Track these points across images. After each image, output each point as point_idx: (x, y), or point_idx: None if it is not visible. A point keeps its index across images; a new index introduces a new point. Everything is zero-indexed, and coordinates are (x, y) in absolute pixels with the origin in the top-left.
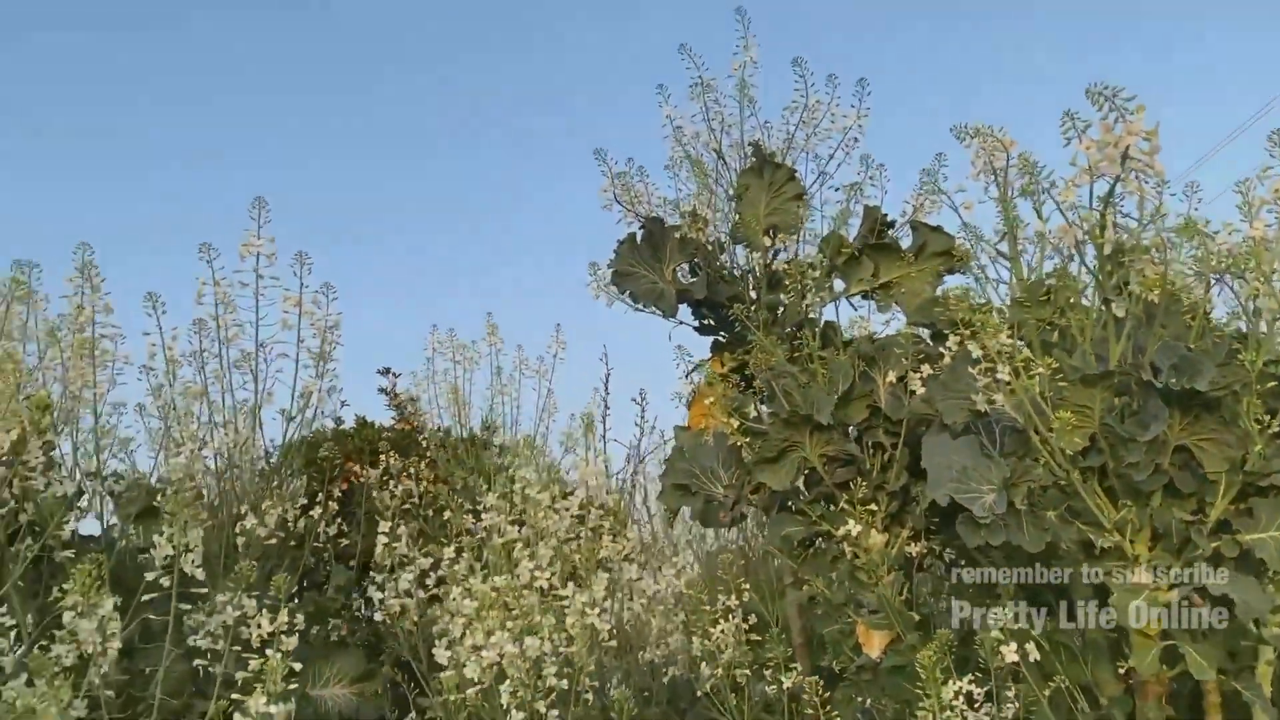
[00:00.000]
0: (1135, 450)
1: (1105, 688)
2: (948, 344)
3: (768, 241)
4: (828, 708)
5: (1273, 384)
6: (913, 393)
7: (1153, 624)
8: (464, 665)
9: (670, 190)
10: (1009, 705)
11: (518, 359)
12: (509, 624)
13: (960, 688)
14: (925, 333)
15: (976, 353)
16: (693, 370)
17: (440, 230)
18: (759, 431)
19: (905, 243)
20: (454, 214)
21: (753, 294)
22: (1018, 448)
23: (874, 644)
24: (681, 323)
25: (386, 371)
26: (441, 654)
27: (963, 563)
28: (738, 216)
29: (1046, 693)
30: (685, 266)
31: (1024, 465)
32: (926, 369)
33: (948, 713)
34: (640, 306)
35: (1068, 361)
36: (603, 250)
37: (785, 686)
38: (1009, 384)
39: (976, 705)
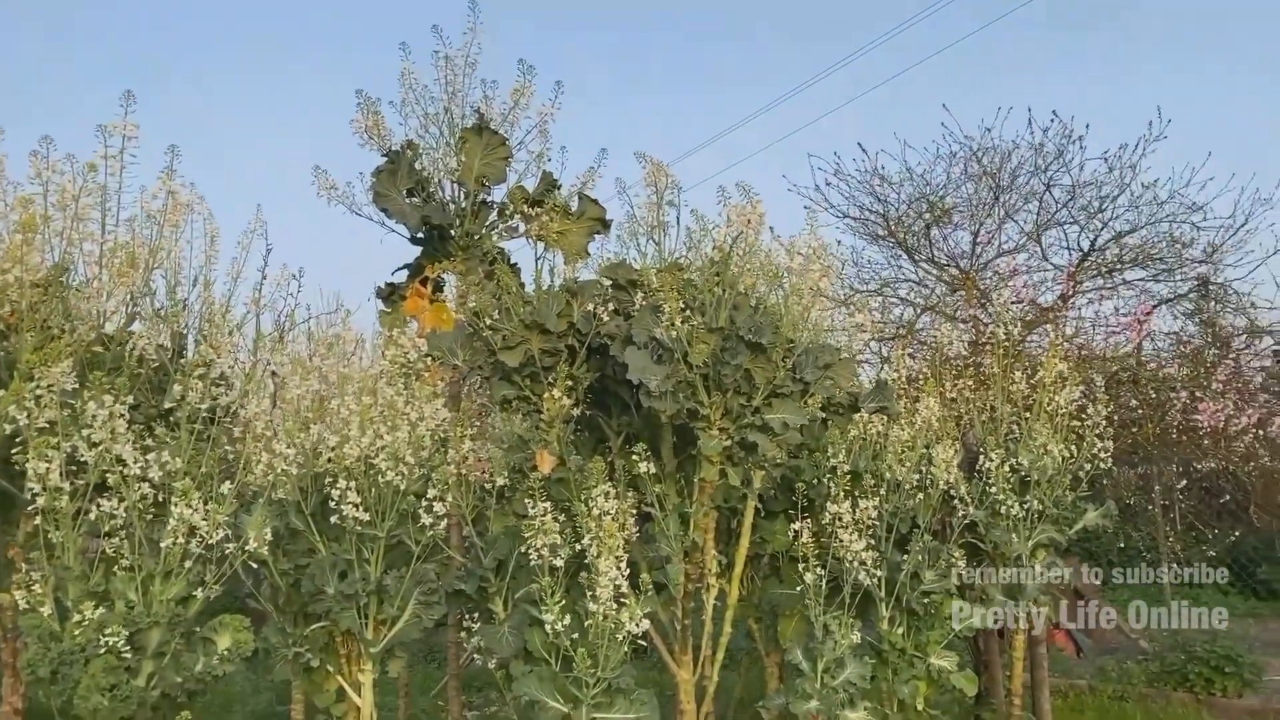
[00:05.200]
0: (727, 369)
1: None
2: (637, 295)
3: (476, 186)
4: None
5: (789, 344)
6: (599, 318)
7: (716, 455)
8: None
9: (401, 131)
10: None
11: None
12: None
13: (605, 489)
14: (607, 281)
15: (668, 305)
16: (399, 269)
17: None
18: (500, 327)
19: (573, 205)
20: None
21: (457, 222)
22: (662, 358)
23: (546, 464)
24: (393, 232)
25: None
26: None
27: (612, 426)
28: (458, 162)
29: (658, 488)
30: (404, 191)
31: (673, 368)
32: (611, 306)
33: (596, 503)
34: (390, 220)
35: (700, 320)
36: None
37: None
38: (671, 325)
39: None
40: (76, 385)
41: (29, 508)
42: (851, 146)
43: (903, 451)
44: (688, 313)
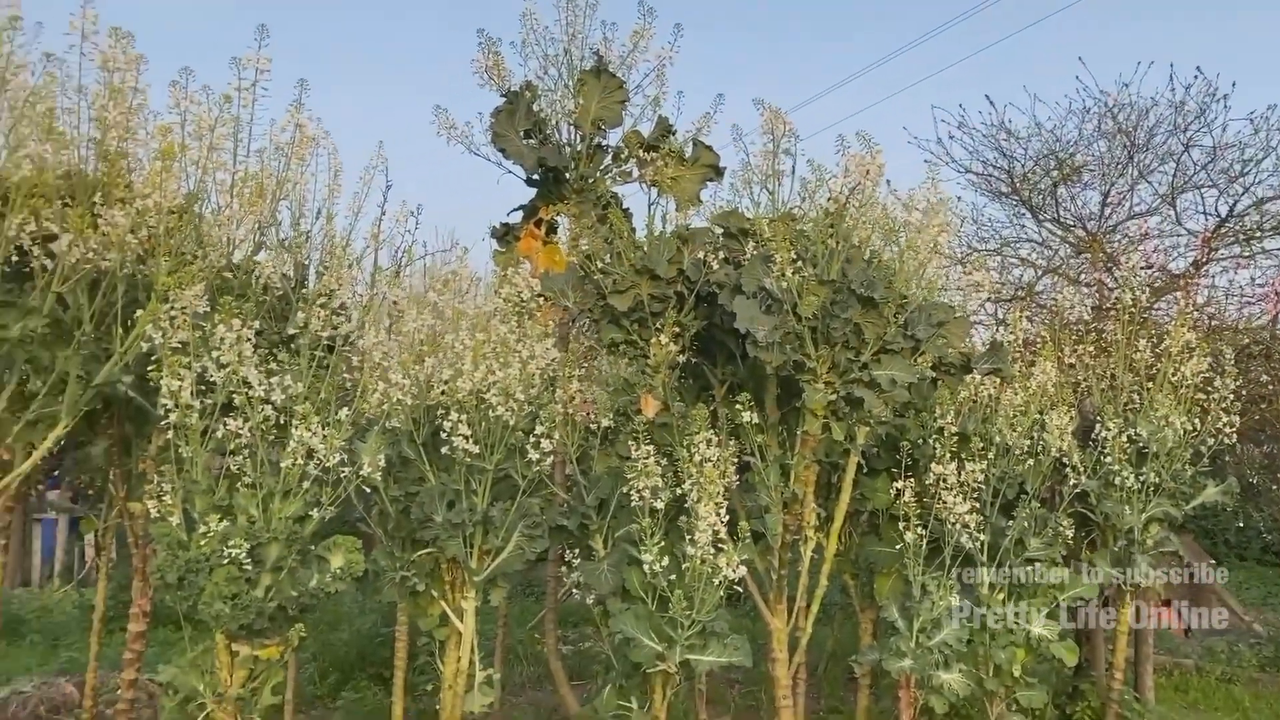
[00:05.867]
0: (837, 322)
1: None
2: (748, 245)
3: (592, 129)
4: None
5: (902, 299)
6: (709, 266)
7: (820, 408)
8: None
9: (520, 72)
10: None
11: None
12: None
13: (707, 436)
14: (719, 229)
15: (779, 256)
16: (514, 210)
17: None
18: (611, 271)
19: (687, 151)
20: None
21: (572, 165)
22: (770, 308)
23: (650, 408)
24: (510, 173)
25: None
26: None
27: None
28: (575, 105)
29: (760, 439)
30: (522, 133)
31: (781, 318)
32: (721, 254)
33: (698, 450)
34: (506, 161)
35: (811, 271)
36: None
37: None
38: (781, 276)
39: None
40: (208, 309)
41: (161, 423)
42: (977, 99)
43: (1015, 416)
44: (799, 264)
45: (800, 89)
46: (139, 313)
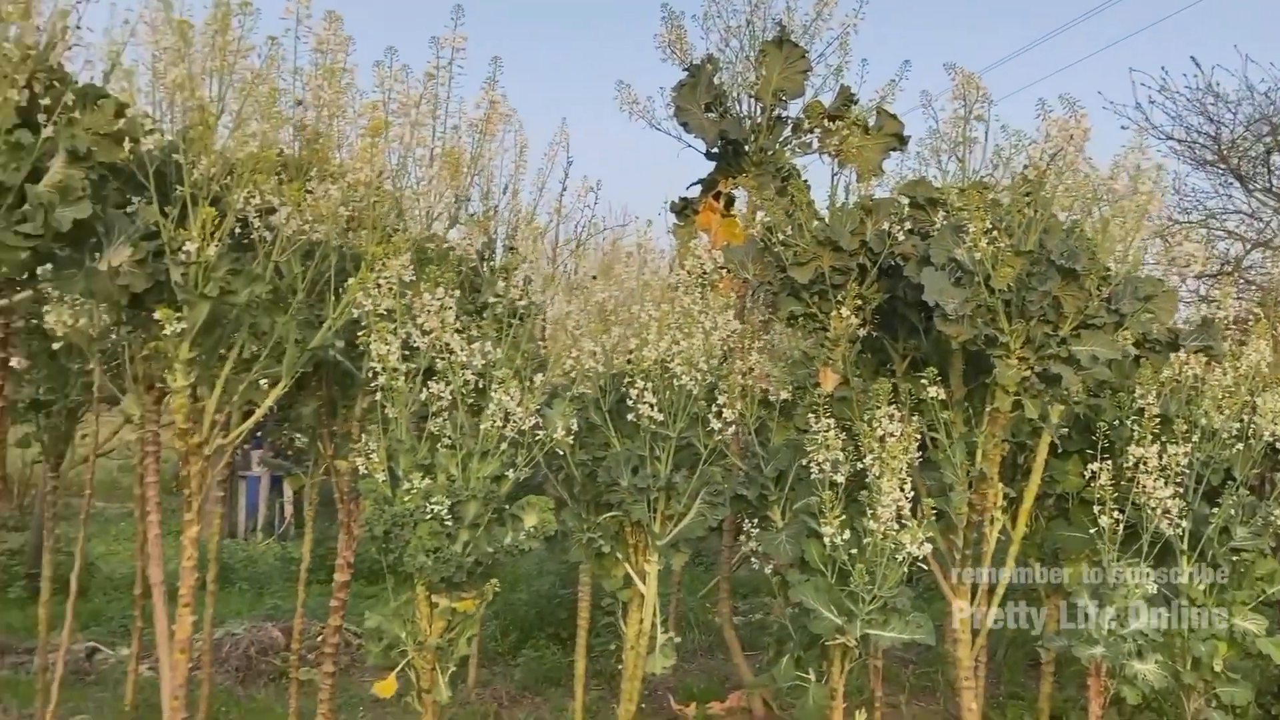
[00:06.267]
0: (1033, 295)
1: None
2: (938, 215)
3: (773, 101)
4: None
5: (1105, 272)
6: (894, 238)
7: (1012, 385)
8: None
9: (702, 45)
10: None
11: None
12: None
13: (889, 411)
14: (905, 199)
15: (972, 226)
16: (693, 184)
17: None
18: (791, 243)
19: (870, 121)
20: None
21: (752, 137)
22: (961, 280)
23: (829, 382)
24: (690, 146)
25: None
26: None
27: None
28: (756, 76)
29: (945, 415)
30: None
31: (972, 291)
32: (907, 225)
33: (880, 424)
34: (686, 135)
35: (1007, 242)
36: None
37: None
38: (974, 247)
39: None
40: (413, 278)
41: (366, 386)
42: (1181, 61)
43: (1223, 397)
44: (993, 234)
45: (986, 53)
46: (349, 281)
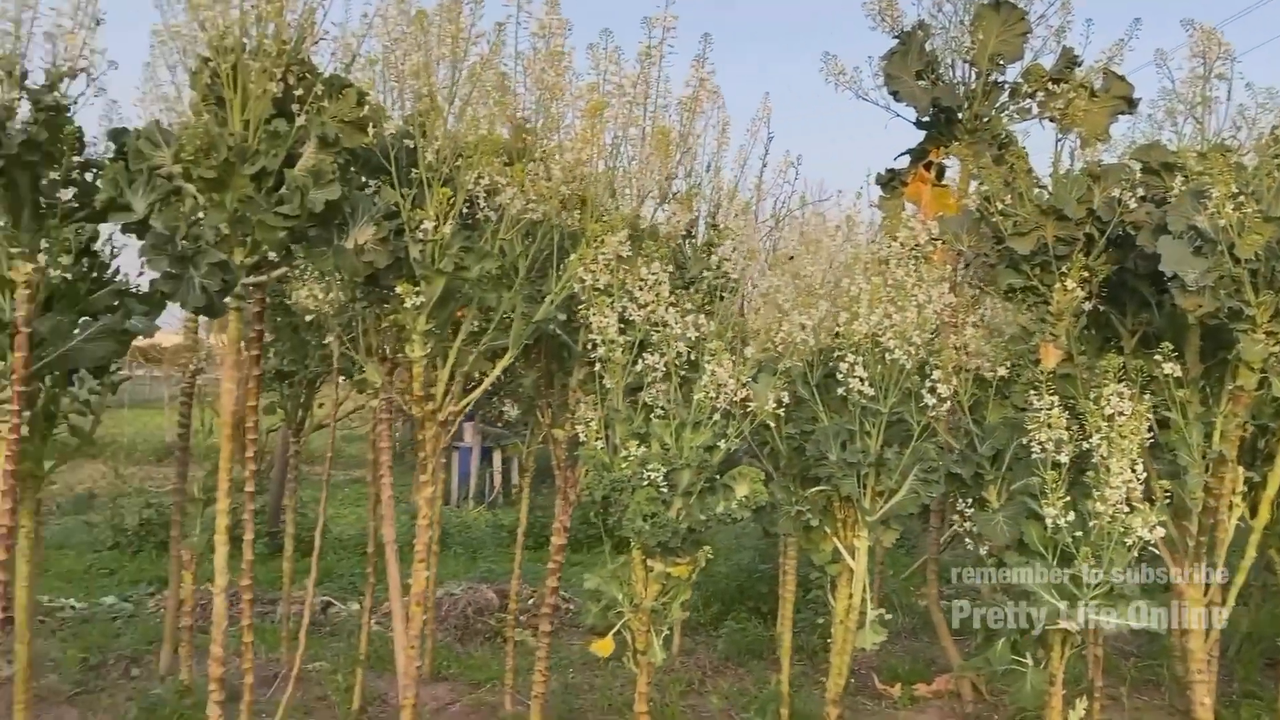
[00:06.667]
0: None
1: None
2: (1175, 180)
3: (989, 66)
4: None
5: None
6: (1125, 205)
7: (1258, 361)
8: None
9: (913, 11)
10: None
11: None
12: None
13: (1119, 389)
14: (1136, 165)
15: (1216, 190)
16: (900, 155)
17: None
18: (1011, 213)
19: (1095, 83)
20: None
21: (966, 104)
22: (1202, 249)
23: (1050, 358)
24: (898, 115)
25: None
26: None
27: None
28: (972, 41)
29: (1180, 393)
30: (914, 73)
31: (1215, 260)
32: (1139, 192)
33: (1108, 403)
34: (895, 104)
35: (1255, 207)
36: None
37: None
38: (1217, 213)
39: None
40: (629, 253)
41: (582, 357)
42: None
43: None
44: (1240, 199)
45: (1226, 4)
46: (570, 258)
